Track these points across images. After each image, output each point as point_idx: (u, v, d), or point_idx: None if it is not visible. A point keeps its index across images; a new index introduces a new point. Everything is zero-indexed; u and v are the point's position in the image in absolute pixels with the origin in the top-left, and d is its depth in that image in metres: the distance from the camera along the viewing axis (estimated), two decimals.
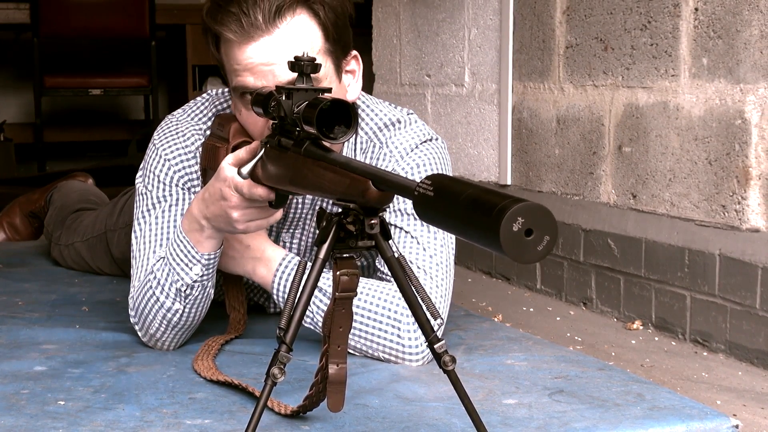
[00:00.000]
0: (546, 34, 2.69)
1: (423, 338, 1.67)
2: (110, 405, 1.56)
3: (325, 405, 1.42)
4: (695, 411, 1.54)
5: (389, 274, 1.60)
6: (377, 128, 1.88)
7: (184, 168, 1.87)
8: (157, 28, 5.74)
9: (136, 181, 1.91)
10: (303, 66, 1.43)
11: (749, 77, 2.06)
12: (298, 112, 1.40)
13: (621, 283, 2.40)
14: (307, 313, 1.78)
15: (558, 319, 2.44)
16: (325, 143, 1.40)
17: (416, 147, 1.87)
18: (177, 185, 1.86)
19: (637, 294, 2.35)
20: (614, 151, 2.46)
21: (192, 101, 1.96)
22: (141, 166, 1.91)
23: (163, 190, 1.86)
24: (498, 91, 2.91)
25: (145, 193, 1.87)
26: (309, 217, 1.92)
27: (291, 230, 1.93)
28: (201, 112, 1.92)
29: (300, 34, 1.66)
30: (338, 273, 1.33)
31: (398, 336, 1.75)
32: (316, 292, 1.76)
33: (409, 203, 1.81)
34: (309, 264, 1.33)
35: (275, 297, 1.82)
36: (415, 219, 1.82)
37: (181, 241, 1.72)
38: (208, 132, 1.88)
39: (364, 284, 1.77)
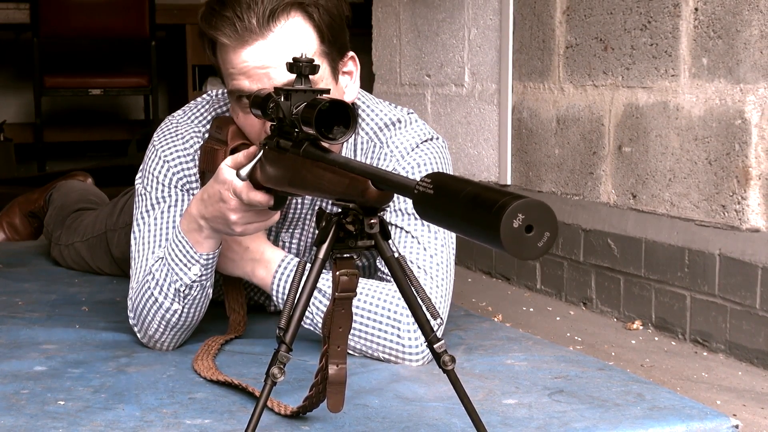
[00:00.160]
0: (546, 34, 2.69)
1: (423, 338, 1.66)
2: (110, 405, 1.56)
3: (325, 405, 1.42)
4: (695, 411, 1.54)
5: (389, 274, 1.60)
6: (377, 128, 1.88)
7: (183, 170, 1.87)
8: (157, 28, 5.74)
9: (136, 182, 1.91)
10: (301, 67, 1.43)
11: (749, 77, 2.06)
12: (296, 113, 1.40)
13: (621, 283, 2.40)
14: (307, 313, 1.78)
15: (558, 319, 2.44)
16: (324, 144, 1.40)
17: (417, 146, 1.87)
18: (176, 187, 1.86)
19: (637, 294, 2.35)
20: (614, 151, 2.46)
21: (192, 102, 1.96)
22: (140, 167, 1.91)
23: (162, 191, 1.86)
24: (498, 91, 2.91)
25: (144, 194, 1.87)
26: (308, 217, 1.92)
27: (290, 230, 1.93)
28: (201, 114, 1.92)
29: (294, 37, 1.66)
30: (338, 273, 1.33)
31: (398, 336, 1.75)
32: (315, 293, 1.76)
33: (409, 203, 1.81)
34: (308, 264, 1.33)
35: (275, 298, 1.82)
36: (415, 219, 1.82)
37: (180, 242, 1.72)
38: (206, 135, 1.88)
39: (364, 284, 1.77)
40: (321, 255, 1.31)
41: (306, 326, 1.79)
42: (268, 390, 1.30)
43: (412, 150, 1.86)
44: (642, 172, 2.37)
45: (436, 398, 1.59)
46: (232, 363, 1.77)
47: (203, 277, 1.74)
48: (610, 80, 2.46)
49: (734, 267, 2.07)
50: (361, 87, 1.91)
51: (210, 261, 1.73)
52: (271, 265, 1.81)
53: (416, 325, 1.69)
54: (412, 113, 1.92)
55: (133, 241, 1.86)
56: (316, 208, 1.90)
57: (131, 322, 1.84)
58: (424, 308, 1.32)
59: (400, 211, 1.83)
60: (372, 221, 1.29)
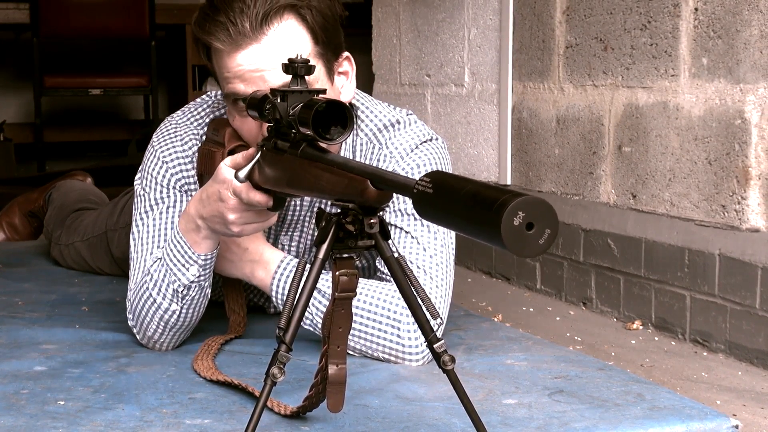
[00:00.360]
0: (546, 34, 2.69)
1: (423, 338, 1.67)
2: (110, 405, 1.56)
3: (325, 405, 1.42)
4: (695, 411, 1.54)
5: (389, 274, 1.60)
6: (376, 129, 1.88)
7: (181, 171, 1.87)
8: (157, 28, 5.74)
9: (135, 183, 1.91)
10: (297, 68, 1.43)
11: (749, 77, 2.06)
12: (293, 114, 1.40)
13: (621, 283, 2.40)
14: (306, 314, 1.77)
15: (558, 319, 2.44)
16: (321, 144, 1.40)
17: (416, 147, 1.86)
18: (174, 188, 1.86)
19: (637, 294, 2.35)
20: (614, 151, 2.46)
21: (192, 103, 1.96)
22: (140, 168, 1.91)
23: (161, 192, 1.86)
24: (498, 91, 2.91)
25: (143, 195, 1.87)
26: (307, 219, 1.91)
27: (289, 233, 1.93)
28: (200, 116, 1.91)
29: (288, 40, 1.66)
30: (337, 273, 1.33)
31: (398, 336, 1.75)
32: (315, 293, 1.76)
33: (408, 203, 1.81)
34: (308, 264, 1.33)
35: (274, 300, 1.82)
36: (415, 219, 1.82)
37: (178, 242, 1.72)
38: (204, 137, 1.88)
39: (363, 284, 1.77)
40: (321, 255, 1.31)
41: (306, 327, 1.79)
42: (268, 390, 1.30)
43: (412, 151, 1.86)
44: (642, 172, 2.37)
45: (436, 398, 1.59)
46: (232, 363, 1.77)
47: (201, 278, 1.74)
48: (610, 80, 2.46)
49: (734, 267, 2.07)
50: (361, 87, 1.91)
51: (208, 261, 1.73)
52: (270, 266, 1.81)
53: (416, 325, 1.69)
54: (411, 114, 1.92)
55: (132, 242, 1.86)
56: (315, 209, 1.90)
57: (130, 323, 1.84)
58: (423, 308, 1.32)
59: (399, 211, 1.83)
60: (372, 221, 1.29)
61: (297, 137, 1.42)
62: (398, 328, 1.75)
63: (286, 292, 1.79)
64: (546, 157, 2.71)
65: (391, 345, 1.76)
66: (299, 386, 1.62)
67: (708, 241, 2.15)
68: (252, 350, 1.85)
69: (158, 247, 1.82)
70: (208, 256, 1.73)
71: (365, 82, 3.22)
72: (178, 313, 1.78)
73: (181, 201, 1.86)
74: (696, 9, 2.19)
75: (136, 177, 1.92)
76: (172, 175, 1.87)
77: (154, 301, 1.77)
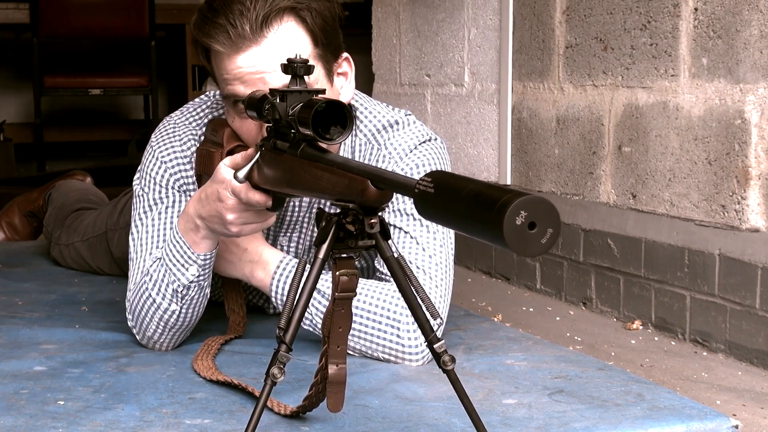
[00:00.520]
0: (546, 34, 2.69)
1: (422, 338, 1.67)
2: (110, 405, 1.56)
3: (324, 405, 1.42)
4: (695, 411, 1.54)
5: (388, 274, 1.60)
6: (375, 130, 1.88)
7: (180, 171, 1.87)
8: (157, 28, 5.74)
9: (134, 183, 1.91)
10: (296, 68, 1.43)
11: (749, 77, 2.06)
12: (293, 114, 1.40)
13: (621, 283, 2.40)
14: (306, 314, 1.77)
15: (558, 319, 2.44)
16: (321, 144, 1.40)
17: (415, 147, 1.86)
18: (173, 188, 1.86)
19: (637, 294, 2.35)
20: (614, 151, 2.46)
21: (190, 103, 1.96)
22: (138, 168, 1.91)
23: (160, 192, 1.86)
24: (498, 91, 2.91)
25: (142, 195, 1.87)
26: (306, 220, 1.91)
27: (288, 233, 1.93)
28: (198, 116, 1.91)
29: (288, 42, 1.66)
30: (337, 273, 1.33)
31: (398, 336, 1.75)
32: (314, 293, 1.76)
33: (407, 203, 1.81)
34: (308, 264, 1.33)
35: (274, 300, 1.82)
36: (414, 219, 1.82)
37: (178, 242, 1.72)
38: (202, 138, 1.88)
39: (363, 284, 1.77)
40: (321, 255, 1.31)
41: (305, 327, 1.79)
42: (268, 390, 1.30)
43: (411, 151, 1.86)
44: (642, 172, 2.37)
45: (436, 398, 1.59)
46: (232, 363, 1.77)
47: (201, 278, 1.74)
48: (610, 80, 2.46)
49: (734, 267, 2.07)
50: (361, 87, 1.91)
51: (207, 261, 1.73)
52: (270, 266, 1.81)
53: (416, 325, 1.69)
54: (409, 114, 1.92)
55: (131, 242, 1.86)
56: (315, 209, 1.89)
57: (129, 323, 1.84)
58: (423, 308, 1.32)
59: (398, 211, 1.83)
60: (372, 221, 1.29)
61: (296, 137, 1.42)
62: (398, 328, 1.75)
63: (285, 293, 1.79)
64: (546, 157, 2.71)
65: (390, 345, 1.76)
66: (299, 386, 1.62)
67: (708, 241, 2.15)
68: (252, 350, 1.85)
69: (157, 247, 1.82)
70: (208, 256, 1.73)
71: (365, 82, 3.23)
72: (177, 313, 1.78)
73: (180, 201, 1.86)
74: (696, 9, 2.19)
75: (135, 177, 1.92)
76: (170, 175, 1.87)
77: (154, 301, 1.77)
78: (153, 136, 1.92)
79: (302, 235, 1.93)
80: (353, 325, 1.71)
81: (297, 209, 1.90)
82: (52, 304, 2.25)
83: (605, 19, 2.46)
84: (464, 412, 1.33)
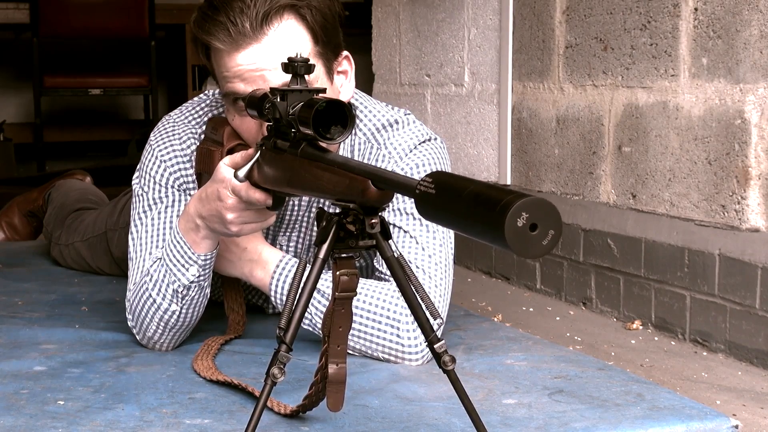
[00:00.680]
0: (546, 34, 2.69)
1: (422, 338, 1.67)
2: (110, 405, 1.56)
3: (324, 405, 1.42)
4: (695, 411, 1.54)
5: (388, 274, 1.60)
6: (375, 129, 1.88)
7: (180, 170, 1.87)
8: (157, 28, 5.74)
9: (133, 183, 1.91)
10: (297, 67, 1.43)
11: (749, 77, 2.06)
12: (293, 113, 1.40)
13: (621, 283, 2.40)
14: (306, 314, 1.77)
15: (558, 318, 2.44)
16: (322, 144, 1.40)
17: (415, 147, 1.86)
18: (173, 187, 1.86)
19: (637, 294, 2.35)
20: (614, 151, 2.46)
21: (190, 102, 1.96)
22: (137, 167, 1.91)
23: (160, 191, 1.86)
24: (498, 91, 2.91)
25: (142, 195, 1.87)
26: (305, 219, 1.91)
27: (287, 233, 1.93)
28: (198, 114, 1.91)
29: (288, 39, 1.66)
30: (338, 273, 1.33)
31: (398, 336, 1.75)
32: (314, 293, 1.75)
33: (408, 202, 1.81)
34: (307, 264, 1.33)
35: (273, 299, 1.82)
36: (414, 218, 1.82)
37: (178, 242, 1.72)
38: (202, 136, 1.88)
39: (363, 284, 1.77)
40: (321, 255, 1.31)
41: (305, 327, 1.79)
42: (268, 390, 1.30)
43: (411, 151, 1.86)
44: (642, 172, 2.37)
45: (436, 398, 1.59)
46: (231, 363, 1.77)
47: (201, 278, 1.74)
48: (610, 80, 2.46)
49: (734, 267, 2.07)
50: (361, 87, 1.91)
51: (208, 262, 1.73)
52: (269, 266, 1.81)
53: (416, 325, 1.69)
54: (409, 114, 1.92)
55: (130, 242, 1.86)
56: (315, 209, 1.89)
57: (129, 323, 1.84)
58: (423, 308, 1.31)
59: (398, 210, 1.83)
60: (373, 221, 1.29)
61: (297, 136, 1.42)
62: (398, 328, 1.75)
63: (284, 292, 1.79)
64: (546, 157, 2.71)
65: (390, 345, 1.75)
66: (299, 386, 1.62)
67: (708, 241, 2.15)
68: (252, 350, 1.85)
69: (157, 247, 1.81)
70: (208, 256, 1.73)
71: (365, 82, 3.23)
72: (177, 313, 1.77)
73: (180, 200, 1.86)
74: (696, 9, 2.19)
75: (134, 176, 1.91)
76: (170, 174, 1.86)
77: (154, 301, 1.77)
78: (152, 134, 1.92)
79: (302, 235, 1.93)
80: (353, 325, 1.71)
81: (296, 209, 1.90)
82: (52, 304, 2.25)
83: (605, 19, 2.46)
84: (464, 412, 1.33)
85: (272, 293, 1.81)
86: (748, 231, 2.08)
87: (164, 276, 1.75)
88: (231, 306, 1.92)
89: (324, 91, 1.45)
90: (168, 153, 1.87)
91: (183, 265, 1.73)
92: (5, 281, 2.50)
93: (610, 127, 2.47)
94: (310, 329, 1.79)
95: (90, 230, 2.57)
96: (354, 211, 1.30)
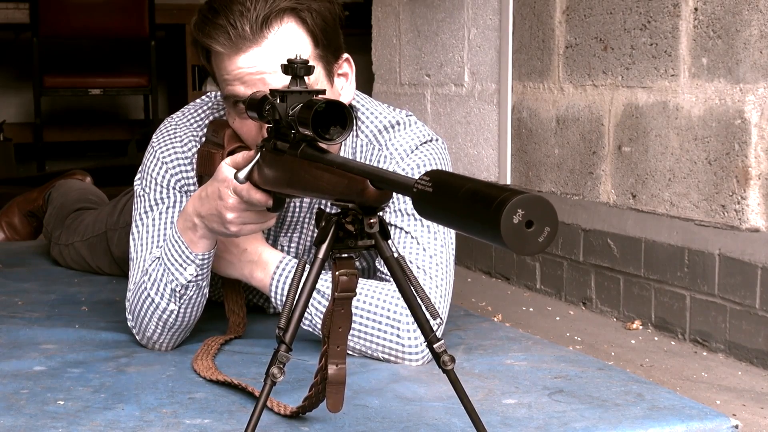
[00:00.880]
0: (546, 34, 2.69)
1: (422, 338, 1.67)
2: (110, 405, 1.56)
3: (324, 405, 1.42)
4: (695, 411, 1.54)
5: (388, 274, 1.60)
6: (376, 131, 1.88)
7: (181, 172, 1.87)
8: (157, 28, 5.74)
9: (135, 184, 1.92)
10: (296, 68, 1.43)
11: (749, 77, 2.06)
12: (293, 114, 1.40)
13: (620, 283, 2.40)
14: (306, 315, 1.77)
15: (558, 318, 2.44)
16: (321, 145, 1.40)
17: (416, 148, 1.86)
18: (174, 188, 1.86)
19: (637, 294, 2.35)
20: (614, 151, 2.46)
21: (192, 104, 1.96)
22: (139, 168, 1.92)
23: (161, 192, 1.86)
24: (498, 91, 2.91)
25: (143, 196, 1.88)
26: (306, 220, 1.91)
27: (288, 234, 1.93)
28: (199, 117, 1.91)
29: (288, 42, 1.66)
30: (337, 273, 1.33)
31: (397, 336, 1.75)
32: (314, 293, 1.76)
33: (408, 203, 1.81)
34: (307, 264, 1.33)
35: (273, 300, 1.82)
36: (414, 219, 1.82)
37: (176, 241, 1.72)
38: (203, 139, 1.88)
39: (363, 284, 1.77)
40: (321, 255, 1.31)
41: (305, 327, 1.79)
42: (268, 390, 1.30)
43: (412, 152, 1.86)
44: (642, 172, 2.37)
45: (435, 398, 1.59)
46: (231, 363, 1.77)
47: (199, 278, 1.74)
48: (610, 80, 2.46)
49: (734, 267, 2.07)
50: (361, 87, 1.91)
51: (205, 261, 1.73)
52: (269, 267, 1.81)
53: (416, 325, 1.69)
54: (410, 115, 1.92)
55: (131, 242, 1.86)
56: (315, 210, 1.89)
57: (129, 323, 1.84)
58: (423, 308, 1.32)
59: (399, 211, 1.83)
60: (372, 221, 1.29)
61: (296, 138, 1.42)
62: (398, 328, 1.75)
63: (284, 293, 1.79)
64: (546, 157, 2.71)
65: (390, 345, 1.76)
66: (299, 386, 1.62)
67: (708, 241, 2.15)
68: (252, 350, 1.85)
69: (157, 247, 1.82)
70: (206, 256, 1.73)
71: (365, 82, 3.22)
72: (176, 313, 1.77)
73: (181, 201, 1.86)
74: (696, 9, 2.19)
75: (136, 177, 1.92)
76: (171, 175, 1.87)
77: (153, 301, 1.77)
78: (154, 136, 1.92)
79: (303, 236, 1.93)
80: (353, 325, 1.71)
81: (297, 210, 1.90)
82: (52, 304, 2.26)
83: (605, 19, 2.46)
84: (464, 412, 1.33)
85: (272, 294, 1.81)
86: (748, 231, 2.08)
87: (162, 275, 1.75)
88: (231, 308, 1.92)
89: (324, 92, 1.45)
90: (169, 154, 1.87)
91: (181, 265, 1.73)
92: (5, 281, 2.51)
93: (610, 127, 2.47)
94: (310, 330, 1.79)
95: (90, 230, 2.57)
96: (353, 211, 1.30)
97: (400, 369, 1.74)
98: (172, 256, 1.73)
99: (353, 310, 1.52)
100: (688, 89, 2.22)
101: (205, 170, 1.81)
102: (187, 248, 1.71)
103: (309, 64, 1.44)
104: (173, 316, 1.78)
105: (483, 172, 3.00)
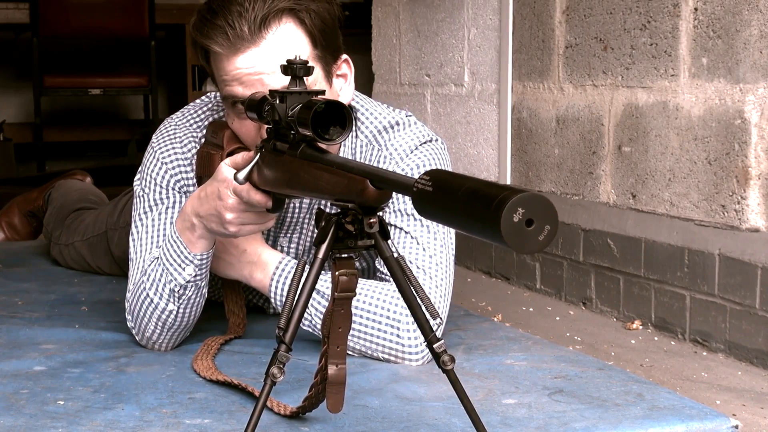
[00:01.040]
0: (546, 34, 2.69)
1: (422, 338, 1.66)
2: (110, 405, 1.56)
3: (324, 405, 1.42)
4: (695, 411, 1.54)
5: (388, 274, 1.60)
6: (376, 131, 1.88)
7: (180, 172, 1.87)
8: (157, 28, 5.74)
9: (134, 184, 1.92)
10: (296, 69, 1.43)
11: (749, 77, 2.06)
12: (292, 115, 1.40)
13: (620, 282, 2.40)
14: (305, 315, 1.77)
15: (557, 318, 2.44)
16: (321, 145, 1.40)
17: (416, 148, 1.87)
18: (174, 189, 1.86)
19: (637, 294, 2.35)
20: (614, 151, 2.46)
21: (191, 105, 1.96)
22: (139, 168, 1.92)
23: (160, 193, 1.86)
24: (497, 91, 2.91)
25: (143, 196, 1.88)
26: (306, 221, 1.91)
27: (288, 235, 1.93)
28: (199, 118, 1.92)
29: (287, 43, 1.66)
30: (337, 273, 1.33)
31: (397, 336, 1.75)
32: (314, 294, 1.75)
33: (408, 203, 1.81)
34: (307, 265, 1.33)
35: (273, 301, 1.82)
36: (414, 219, 1.82)
37: (175, 241, 1.72)
38: (203, 140, 1.88)
39: (363, 285, 1.77)
40: (320, 255, 1.31)
41: (305, 327, 1.79)
42: (268, 390, 1.30)
43: (412, 152, 1.86)
44: (641, 172, 2.37)
45: (435, 398, 1.59)
46: (231, 363, 1.77)
47: (198, 278, 1.74)
48: (610, 80, 2.46)
49: (734, 267, 2.07)
50: (361, 87, 1.91)
51: (204, 261, 1.73)
52: (269, 267, 1.81)
53: (416, 325, 1.68)
54: (410, 115, 1.92)
55: (131, 243, 1.86)
56: (315, 211, 1.89)
57: (129, 323, 1.84)
58: (423, 308, 1.32)
59: (399, 211, 1.83)
60: (371, 221, 1.29)
61: (296, 138, 1.42)
62: (398, 328, 1.75)
63: (284, 294, 1.79)
64: (546, 157, 2.71)
65: (390, 345, 1.76)
66: (299, 386, 1.62)
67: (708, 241, 2.15)
68: (252, 350, 1.85)
69: (157, 247, 1.82)
70: (204, 256, 1.73)
71: (365, 82, 3.23)
72: (175, 313, 1.77)
73: (180, 202, 1.86)
74: (696, 9, 2.19)
75: (136, 178, 1.92)
76: (171, 176, 1.87)
77: (152, 301, 1.77)
78: (154, 137, 1.92)
79: (302, 236, 1.93)
80: (353, 326, 1.71)
81: (297, 210, 1.90)
82: (52, 304, 2.26)
83: (605, 19, 2.46)
84: (464, 412, 1.33)
85: (272, 295, 1.81)
86: (748, 231, 2.08)
87: (161, 275, 1.75)
88: (231, 309, 1.92)
89: (323, 92, 1.45)
90: (169, 155, 1.88)
91: (179, 265, 1.73)
92: (5, 281, 2.51)
93: (610, 127, 2.47)
94: (310, 330, 1.79)
95: (90, 230, 2.58)
96: (353, 211, 1.30)
97: (400, 369, 1.74)
98: (171, 256, 1.73)
99: (353, 311, 1.52)
100: (688, 89, 2.22)
101: (204, 171, 1.81)
102: (185, 248, 1.71)
103: (308, 65, 1.44)
104: (172, 316, 1.78)
105: (483, 172, 3.00)
